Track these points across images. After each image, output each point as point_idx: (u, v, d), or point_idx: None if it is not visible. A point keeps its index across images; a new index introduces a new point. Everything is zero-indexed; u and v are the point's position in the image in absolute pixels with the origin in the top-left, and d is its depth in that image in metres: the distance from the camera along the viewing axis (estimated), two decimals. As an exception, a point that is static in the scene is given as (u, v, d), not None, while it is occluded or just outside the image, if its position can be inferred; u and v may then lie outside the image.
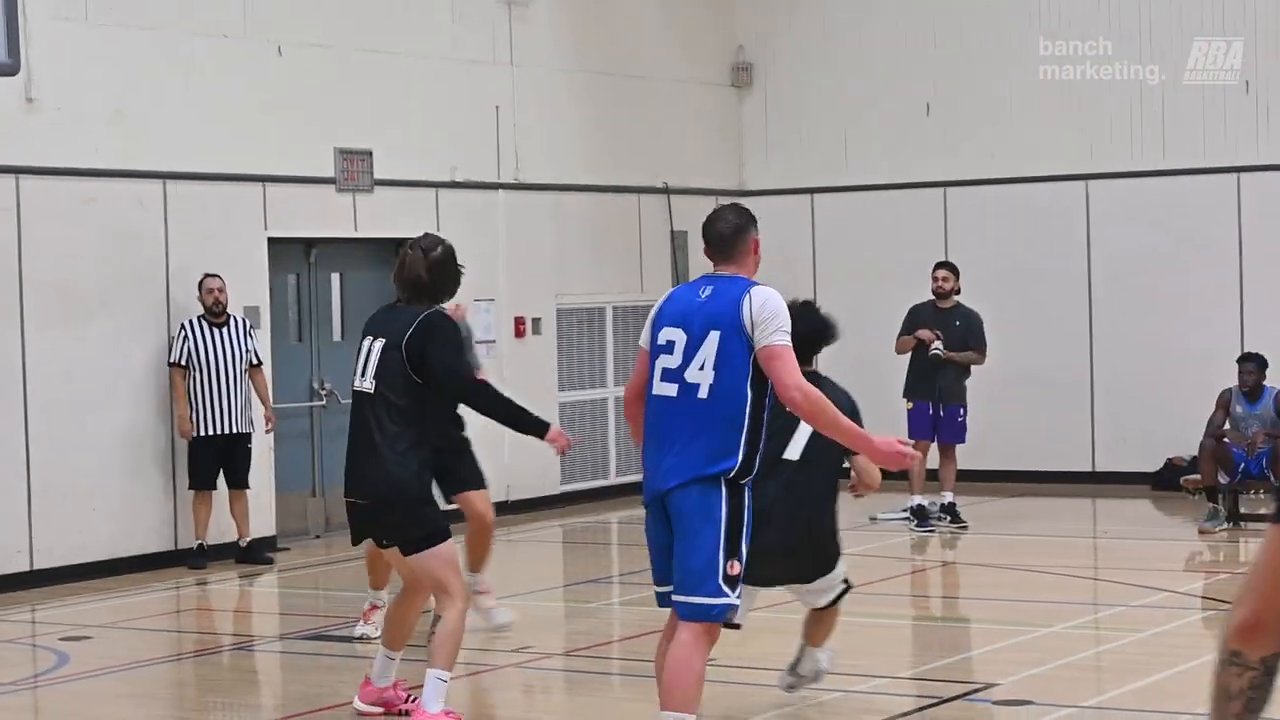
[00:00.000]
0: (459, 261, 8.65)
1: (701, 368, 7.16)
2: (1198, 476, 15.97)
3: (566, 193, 18.33)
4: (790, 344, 7.14)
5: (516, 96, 17.89)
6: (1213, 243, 18.06)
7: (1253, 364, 15.82)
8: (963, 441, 16.21)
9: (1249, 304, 17.92)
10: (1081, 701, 9.04)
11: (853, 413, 7.84)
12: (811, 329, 8.42)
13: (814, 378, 8.01)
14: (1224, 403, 15.76)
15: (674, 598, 7.25)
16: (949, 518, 16.07)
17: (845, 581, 8.62)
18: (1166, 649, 10.42)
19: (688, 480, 7.12)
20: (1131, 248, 18.37)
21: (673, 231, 19.41)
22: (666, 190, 19.38)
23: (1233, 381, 15.81)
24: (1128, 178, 18.46)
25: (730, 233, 7.44)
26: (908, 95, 19.46)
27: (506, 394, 8.82)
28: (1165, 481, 17.81)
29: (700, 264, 19.35)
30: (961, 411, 16.14)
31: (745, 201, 20.03)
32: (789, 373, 7.08)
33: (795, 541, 8.18)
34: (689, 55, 19.94)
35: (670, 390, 7.22)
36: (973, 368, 16.27)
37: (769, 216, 19.88)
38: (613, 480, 18.62)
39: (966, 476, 16.56)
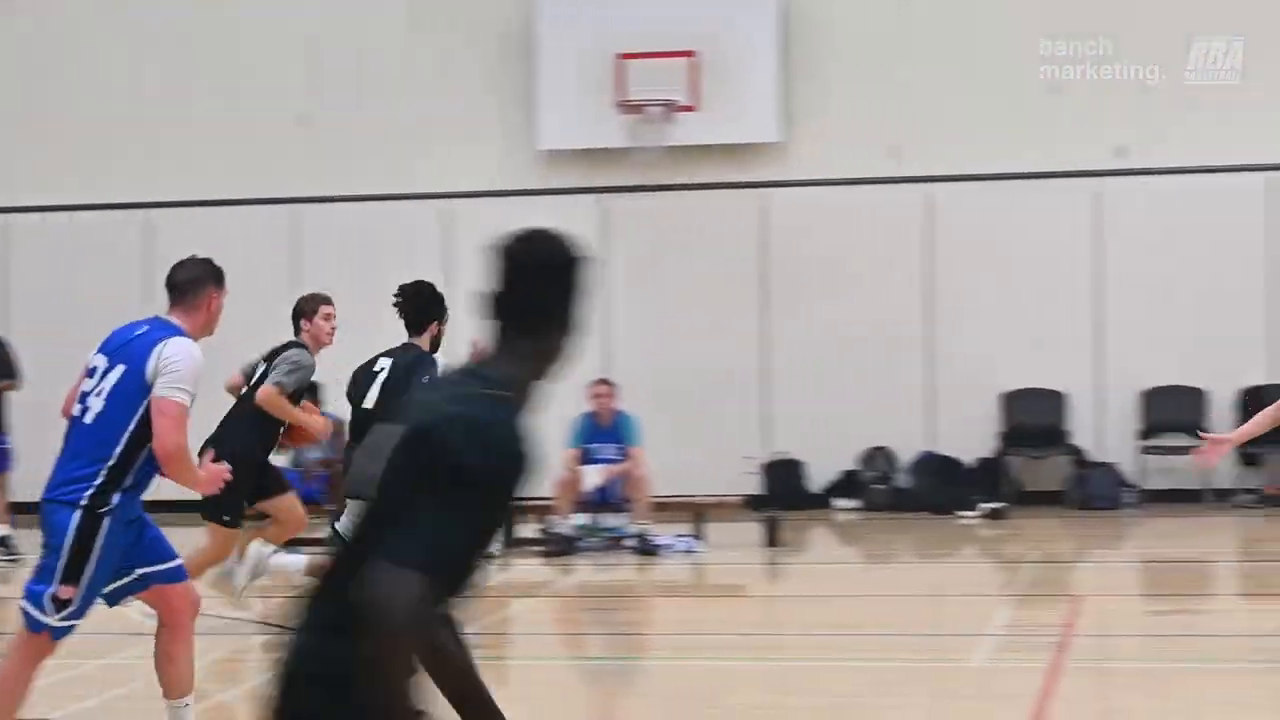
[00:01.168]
0: None
1: (99, 395, 7.38)
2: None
3: None
4: (186, 404, 7.36)
5: None
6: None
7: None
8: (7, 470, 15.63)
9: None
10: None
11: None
12: (419, 301, 10.05)
13: (431, 362, 9.87)
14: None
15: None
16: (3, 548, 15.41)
17: None
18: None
19: (53, 498, 7.40)
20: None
21: None
22: None
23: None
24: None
25: (181, 281, 7.66)
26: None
27: None
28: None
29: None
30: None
31: None
32: (171, 429, 7.27)
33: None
34: None
35: (76, 410, 7.47)
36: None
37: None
38: None
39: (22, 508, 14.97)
